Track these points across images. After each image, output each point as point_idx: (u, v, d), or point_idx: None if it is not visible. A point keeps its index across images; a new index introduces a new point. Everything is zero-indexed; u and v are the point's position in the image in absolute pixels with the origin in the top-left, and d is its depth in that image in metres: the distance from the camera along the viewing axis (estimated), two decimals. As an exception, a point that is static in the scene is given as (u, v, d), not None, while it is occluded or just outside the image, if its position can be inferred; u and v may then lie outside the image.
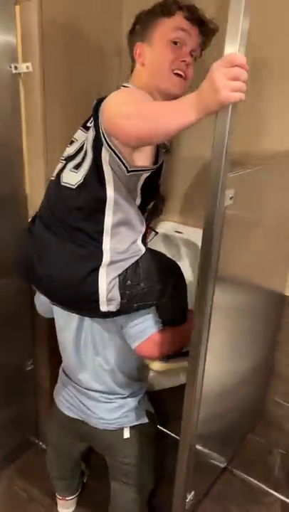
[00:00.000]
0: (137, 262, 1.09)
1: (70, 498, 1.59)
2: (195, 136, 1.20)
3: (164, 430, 1.86)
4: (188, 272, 1.63)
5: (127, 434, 1.30)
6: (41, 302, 1.39)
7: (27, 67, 1.32)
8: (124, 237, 1.08)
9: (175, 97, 1.11)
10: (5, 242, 1.48)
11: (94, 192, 1.03)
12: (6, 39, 1.28)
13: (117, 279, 1.05)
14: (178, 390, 1.43)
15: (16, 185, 1.46)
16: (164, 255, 1.21)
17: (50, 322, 1.62)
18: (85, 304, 1.07)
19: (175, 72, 1.09)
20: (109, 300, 1.05)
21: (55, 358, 1.69)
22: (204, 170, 1.55)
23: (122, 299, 1.06)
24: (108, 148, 1.00)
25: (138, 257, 1.10)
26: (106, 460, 1.41)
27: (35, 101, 1.35)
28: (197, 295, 0.96)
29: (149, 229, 1.30)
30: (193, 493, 1.22)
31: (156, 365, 1.32)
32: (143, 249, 1.12)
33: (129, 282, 1.07)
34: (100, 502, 1.63)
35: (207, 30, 1.12)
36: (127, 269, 1.07)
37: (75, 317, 1.25)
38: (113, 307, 1.06)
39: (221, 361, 1.19)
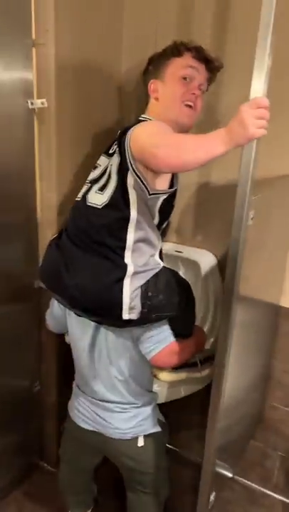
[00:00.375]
0: (156, 274, 1.20)
1: None
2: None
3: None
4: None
5: (141, 443, 1.37)
6: (54, 316, 1.46)
7: (42, 103, 1.43)
8: (144, 252, 1.19)
9: (186, 127, 1.29)
10: (17, 266, 1.55)
11: (119, 211, 1.15)
12: (23, 77, 1.38)
13: (139, 290, 1.16)
14: (177, 404, 1.54)
15: (28, 213, 1.54)
16: (176, 272, 1.32)
17: (57, 344, 1.70)
18: (108, 311, 1.16)
19: (186, 103, 1.26)
20: (131, 308, 1.14)
21: (61, 379, 1.75)
22: (197, 195, 1.70)
23: (142, 308, 1.16)
24: (133, 173, 1.12)
25: (158, 270, 1.21)
26: (121, 471, 1.47)
27: (49, 134, 1.46)
28: (224, 314, 1.08)
29: None
30: (214, 493, 1.30)
31: (164, 376, 1.41)
32: (161, 264, 1.24)
33: (150, 293, 1.17)
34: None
35: (213, 67, 1.31)
36: (148, 281, 1.18)
37: (90, 329, 1.32)
38: (134, 315, 1.15)
39: (234, 374, 1.30)
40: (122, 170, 1.15)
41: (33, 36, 1.37)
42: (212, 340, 1.63)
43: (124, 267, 1.15)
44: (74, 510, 1.61)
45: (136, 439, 1.35)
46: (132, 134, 1.13)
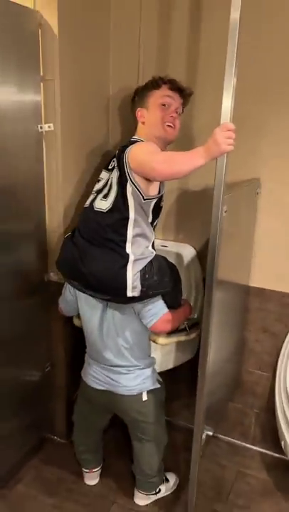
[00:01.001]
0: (151, 261, 1.54)
1: (96, 469, 1.91)
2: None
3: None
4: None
5: (145, 397, 1.68)
6: (66, 301, 1.77)
7: (49, 127, 1.73)
8: (140, 244, 1.53)
9: (169, 141, 1.64)
10: (29, 264, 1.83)
11: (120, 213, 1.48)
12: (34, 106, 1.69)
13: (139, 273, 1.49)
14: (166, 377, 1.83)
15: (39, 219, 1.83)
16: (165, 257, 1.66)
17: (65, 331, 1.99)
18: (116, 290, 1.49)
19: (167, 124, 1.59)
20: (133, 288, 1.48)
21: (69, 361, 2.04)
22: (179, 199, 2.04)
23: (142, 287, 1.50)
24: (131, 183, 1.45)
25: (152, 257, 1.55)
26: (128, 424, 1.77)
27: (55, 152, 1.76)
28: (206, 294, 1.42)
29: None
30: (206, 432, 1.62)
31: (161, 340, 1.71)
32: (154, 252, 1.58)
33: (147, 276, 1.51)
34: (119, 473, 1.97)
35: (185, 94, 1.65)
36: (145, 266, 1.52)
37: (98, 310, 1.65)
38: (136, 293, 1.49)
39: (215, 345, 1.61)
40: (122, 181, 1.47)
41: (41, 73, 1.68)
42: (195, 316, 1.97)
43: (127, 256, 1.48)
44: (87, 467, 1.90)
45: (140, 394, 1.67)
46: (130, 153, 1.46)
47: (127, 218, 1.48)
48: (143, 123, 1.63)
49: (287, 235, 1.86)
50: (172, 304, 1.64)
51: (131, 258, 1.48)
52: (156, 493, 1.84)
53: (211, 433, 1.68)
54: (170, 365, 1.95)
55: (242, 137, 1.75)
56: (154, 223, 1.63)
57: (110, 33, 1.95)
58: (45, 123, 1.74)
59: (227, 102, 1.23)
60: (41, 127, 1.73)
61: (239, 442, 2.19)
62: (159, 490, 1.85)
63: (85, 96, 1.86)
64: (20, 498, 1.84)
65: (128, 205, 1.48)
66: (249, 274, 1.97)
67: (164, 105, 1.59)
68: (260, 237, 1.91)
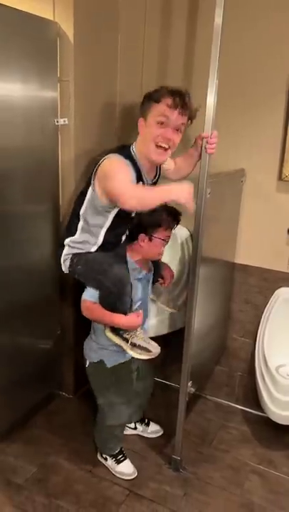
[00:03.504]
0: (81, 254, 1.75)
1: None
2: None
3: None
4: (165, 253, 2.34)
5: (87, 364, 1.91)
6: None
7: (64, 121, 2.03)
8: (83, 238, 1.74)
9: (156, 164, 1.70)
10: (43, 243, 2.12)
11: (77, 205, 1.74)
12: (52, 103, 1.98)
13: (69, 256, 1.77)
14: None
15: (54, 201, 2.12)
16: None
17: (73, 301, 2.28)
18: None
19: (158, 144, 1.57)
20: (63, 262, 1.79)
21: (76, 325, 2.34)
22: None
23: (69, 267, 1.78)
24: (92, 189, 1.66)
25: (82, 252, 1.75)
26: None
27: (69, 143, 2.06)
28: (191, 269, 1.76)
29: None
30: (191, 382, 1.92)
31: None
32: (91, 251, 1.75)
33: (75, 261, 1.76)
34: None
35: (188, 115, 1.59)
36: (77, 254, 1.75)
37: None
38: (64, 268, 1.80)
39: (201, 313, 1.89)
40: (88, 180, 1.67)
41: (58, 75, 1.97)
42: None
43: (69, 238, 1.76)
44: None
45: (87, 361, 1.91)
46: (100, 169, 1.59)
47: (79, 212, 1.72)
48: (140, 134, 1.64)
49: (267, 219, 2.15)
50: (102, 301, 1.73)
51: (67, 241, 1.76)
52: (103, 458, 2.03)
53: (193, 389, 1.97)
54: (164, 331, 2.24)
55: (228, 132, 2.06)
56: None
57: (118, 40, 2.25)
58: (60, 117, 2.03)
59: (211, 99, 1.53)
60: (57, 121, 2.02)
61: (224, 401, 2.49)
62: (106, 458, 2.02)
63: (95, 95, 2.15)
64: (33, 439, 2.15)
65: (83, 202, 1.70)
66: (234, 252, 2.26)
67: (161, 123, 1.55)
68: (244, 220, 2.20)
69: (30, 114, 1.87)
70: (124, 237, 1.83)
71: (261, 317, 2.23)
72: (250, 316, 2.31)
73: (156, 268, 1.99)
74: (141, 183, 1.66)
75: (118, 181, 1.52)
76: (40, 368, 2.28)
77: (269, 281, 2.23)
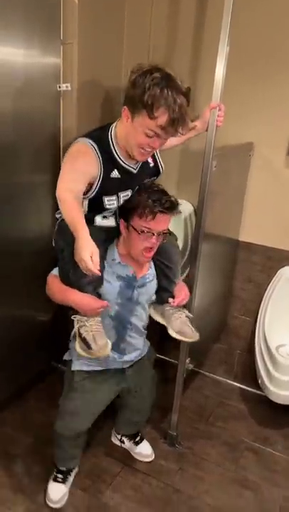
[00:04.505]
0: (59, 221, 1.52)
1: None
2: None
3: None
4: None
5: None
6: None
7: (66, 87, 1.94)
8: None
9: (136, 160, 1.45)
10: (43, 213, 2.05)
11: None
12: (54, 68, 1.89)
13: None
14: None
15: (55, 159, 2.01)
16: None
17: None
18: None
19: (142, 148, 1.39)
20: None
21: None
22: (180, 164, 2.24)
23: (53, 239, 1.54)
24: None
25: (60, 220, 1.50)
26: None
27: (71, 108, 1.97)
28: (194, 246, 1.70)
29: None
30: (189, 359, 1.91)
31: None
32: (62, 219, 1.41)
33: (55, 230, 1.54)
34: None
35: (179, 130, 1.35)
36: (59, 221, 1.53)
37: None
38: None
39: (202, 290, 1.86)
40: None
41: (62, 38, 1.88)
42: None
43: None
44: None
45: None
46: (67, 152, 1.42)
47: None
48: (123, 122, 1.41)
49: (275, 196, 2.09)
50: (59, 272, 1.52)
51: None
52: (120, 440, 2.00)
53: (192, 366, 1.97)
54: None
55: (237, 104, 1.97)
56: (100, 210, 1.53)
57: (126, 3, 2.12)
58: (63, 83, 1.94)
59: (220, 69, 1.45)
60: (60, 87, 1.93)
61: (223, 379, 2.48)
62: (122, 441, 1.99)
63: (100, 59, 2.05)
64: (30, 411, 2.16)
65: None
66: (239, 229, 2.20)
67: (149, 136, 1.36)
68: (251, 197, 2.14)
69: (31, 79, 1.79)
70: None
71: (263, 296, 2.20)
72: (252, 295, 2.28)
73: (168, 285, 1.64)
74: (116, 170, 1.46)
75: (66, 169, 1.39)
76: (38, 341, 2.26)
77: (273, 259, 2.18)
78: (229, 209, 2.07)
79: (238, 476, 1.87)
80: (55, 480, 1.74)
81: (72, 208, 1.29)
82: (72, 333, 1.48)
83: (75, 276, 1.41)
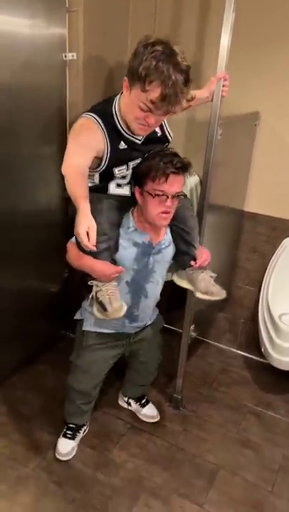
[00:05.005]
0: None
1: None
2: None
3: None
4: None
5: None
6: None
7: (72, 56, 1.94)
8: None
9: (137, 135, 1.45)
10: (49, 186, 2.08)
11: None
12: (59, 37, 1.89)
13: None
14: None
15: (60, 144, 2.04)
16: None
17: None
18: None
19: (139, 122, 1.37)
20: None
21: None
22: (186, 135, 2.24)
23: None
24: None
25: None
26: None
27: (77, 77, 1.98)
28: (198, 216, 1.71)
29: None
30: (193, 326, 1.96)
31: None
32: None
33: None
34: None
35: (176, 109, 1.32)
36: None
37: None
38: None
39: None
40: None
41: (67, 5, 1.87)
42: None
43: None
44: None
45: None
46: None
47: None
48: (123, 93, 1.40)
49: (281, 166, 2.09)
50: (76, 239, 1.47)
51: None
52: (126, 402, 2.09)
53: (195, 334, 2.02)
54: (170, 278, 2.25)
55: (242, 73, 1.96)
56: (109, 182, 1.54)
57: None
58: (69, 52, 1.94)
59: (225, 38, 1.45)
60: (66, 56, 1.94)
61: (226, 347, 2.55)
62: (129, 403, 2.09)
63: (106, 27, 2.04)
64: (41, 375, 2.24)
65: None
66: (244, 199, 2.22)
67: (142, 110, 1.33)
68: (256, 167, 2.15)
69: (37, 50, 1.80)
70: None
71: (267, 266, 2.23)
72: (257, 265, 2.31)
73: (188, 249, 1.65)
74: (122, 142, 1.46)
75: (70, 145, 1.40)
76: (48, 310, 2.33)
77: (278, 230, 2.20)
78: (234, 179, 2.09)
79: (240, 436, 1.95)
80: (65, 436, 1.84)
81: (74, 183, 1.32)
82: (90, 297, 1.53)
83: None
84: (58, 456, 1.79)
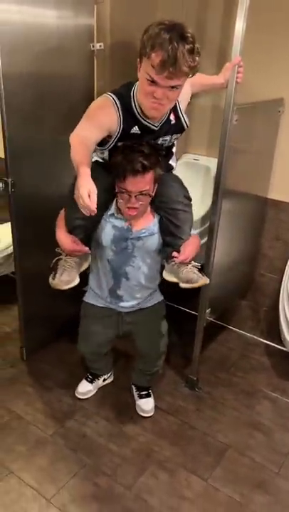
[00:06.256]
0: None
1: None
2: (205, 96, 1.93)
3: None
4: (199, 186, 2.35)
5: None
6: None
7: (100, 46, 2.02)
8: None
9: (150, 118, 1.49)
10: None
11: None
12: (88, 27, 1.97)
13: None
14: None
15: None
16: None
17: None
18: None
19: (151, 99, 1.40)
20: None
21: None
22: (210, 121, 2.26)
23: None
24: None
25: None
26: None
27: (104, 67, 2.06)
28: (213, 201, 1.77)
29: None
30: (209, 309, 2.00)
31: None
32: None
33: None
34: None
35: (184, 75, 1.34)
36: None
37: None
38: None
39: (225, 246, 1.93)
40: None
41: (95, -3, 1.95)
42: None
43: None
44: None
45: None
46: None
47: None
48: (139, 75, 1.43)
49: (305, 153, 2.08)
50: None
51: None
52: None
53: (210, 318, 2.05)
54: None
55: (266, 57, 1.96)
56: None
57: None
58: (96, 42, 2.02)
59: (240, 22, 1.47)
60: (93, 46, 2.02)
61: (248, 334, 2.56)
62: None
63: (132, 17, 2.09)
64: (65, 351, 2.35)
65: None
66: (267, 187, 2.22)
67: (149, 81, 1.36)
68: (281, 154, 2.14)
69: (66, 40, 1.89)
70: None
71: (290, 254, 2.23)
72: (280, 253, 2.31)
73: (173, 241, 1.65)
74: (136, 127, 1.52)
75: (82, 119, 1.47)
76: (74, 289, 2.44)
77: (301, 218, 2.19)
78: (256, 166, 2.09)
79: (253, 419, 1.99)
80: (86, 378, 2.10)
81: (78, 151, 1.35)
82: (52, 263, 1.64)
83: (68, 216, 1.59)
84: (76, 395, 2.06)
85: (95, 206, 1.25)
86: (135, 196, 1.50)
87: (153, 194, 1.57)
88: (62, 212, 1.66)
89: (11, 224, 2.02)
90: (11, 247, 2.16)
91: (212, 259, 1.87)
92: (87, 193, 1.24)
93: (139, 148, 1.48)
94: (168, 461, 1.77)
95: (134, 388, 2.07)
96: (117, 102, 1.49)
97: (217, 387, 2.17)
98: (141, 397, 2.03)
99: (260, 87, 1.95)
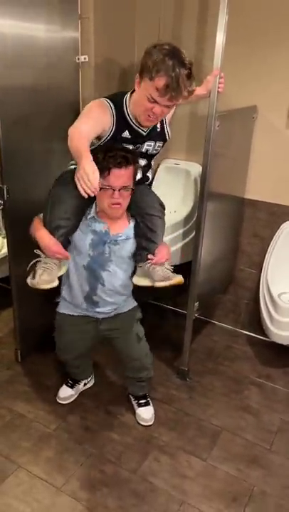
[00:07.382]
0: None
1: None
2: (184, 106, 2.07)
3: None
4: (180, 188, 2.51)
5: None
6: None
7: (84, 58, 2.14)
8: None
9: (144, 127, 1.65)
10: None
11: None
12: (73, 41, 2.08)
13: None
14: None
15: None
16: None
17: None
18: None
19: (148, 114, 1.57)
20: None
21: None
22: (190, 127, 2.42)
23: None
24: None
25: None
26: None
27: (89, 78, 2.17)
28: (199, 203, 1.91)
29: None
30: (198, 303, 2.14)
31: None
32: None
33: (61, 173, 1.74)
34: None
35: (182, 97, 1.52)
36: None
37: None
38: None
39: (208, 245, 2.07)
40: None
41: (79, 12, 2.06)
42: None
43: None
44: None
45: None
46: None
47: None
48: (136, 92, 1.60)
49: (278, 155, 2.26)
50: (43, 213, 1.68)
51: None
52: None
53: (197, 314, 2.19)
54: (177, 262, 2.43)
55: (240, 68, 2.14)
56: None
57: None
58: (81, 55, 2.14)
59: (220, 38, 1.63)
60: (78, 58, 2.13)
61: (230, 327, 2.72)
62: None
63: (115, 32, 2.24)
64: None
65: None
66: (244, 188, 2.39)
67: (150, 101, 1.53)
68: (255, 157, 2.32)
69: (52, 53, 1.99)
70: None
71: (267, 249, 2.39)
72: (258, 249, 2.48)
73: (148, 246, 1.71)
74: (127, 131, 1.65)
75: (80, 117, 1.60)
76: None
77: (276, 215, 2.37)
78: (235, 169, 2.26)
79: (242, 403, 2.13)
80: (66, 384, 2.13)
81: (78, 140, 1.45)
82: (30, 264, 1.65)
83: (49, 217, 1.62)
84: (57, 400, 2.09)
85: (97, 184, 1.36)
86: (119, 190, 1.56)
87: (133, 189, 1.62)
88: (36, 219, 1.70)
89: (6, 229, 2.09)
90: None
91: (199, 258, 2.01)
92: (92, 171, 1.34)
93: (119, 147, 1.61)
94: (168, 445, 1.89)
95: (132, 398, 2.08)
96: (111, 105, 1.63)
97: (206, 376, 2.30)
98: (140, 405, 2.04)
99: (235, 95, 2.12)
